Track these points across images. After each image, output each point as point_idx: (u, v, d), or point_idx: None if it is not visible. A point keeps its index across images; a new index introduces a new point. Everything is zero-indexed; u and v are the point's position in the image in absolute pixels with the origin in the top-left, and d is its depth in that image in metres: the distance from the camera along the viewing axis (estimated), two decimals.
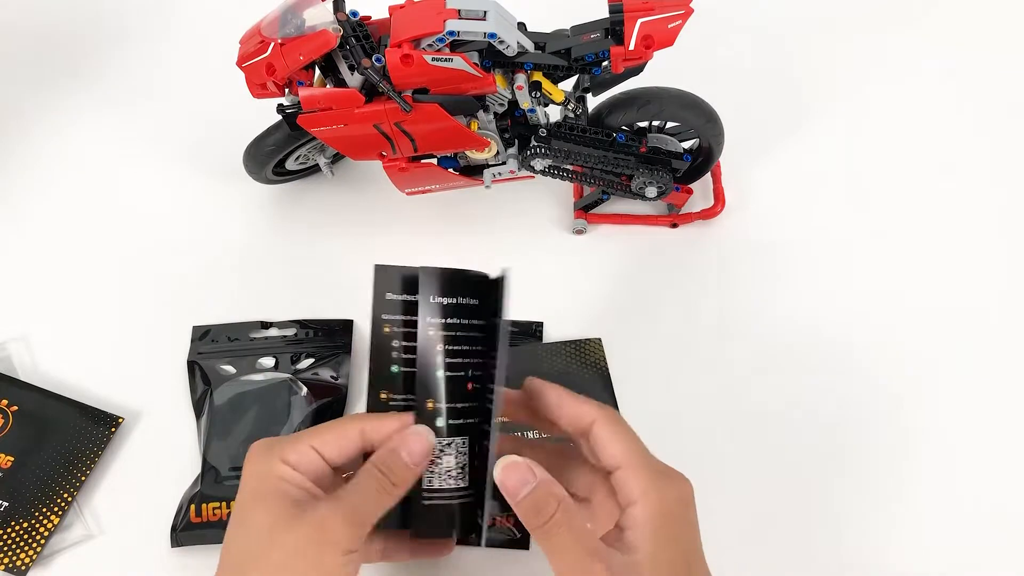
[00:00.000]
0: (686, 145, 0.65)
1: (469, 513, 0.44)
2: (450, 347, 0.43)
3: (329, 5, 0.56)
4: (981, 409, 0.58)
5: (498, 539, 0.54)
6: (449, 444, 0.44)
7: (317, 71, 0.58)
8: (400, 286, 0.44)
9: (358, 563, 0.41)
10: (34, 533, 0.55)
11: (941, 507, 0.55)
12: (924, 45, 0.78)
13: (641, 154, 0.63)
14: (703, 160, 0.66)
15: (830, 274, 0.65)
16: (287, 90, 0.58)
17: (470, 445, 0.44)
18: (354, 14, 0.56)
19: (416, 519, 0.44)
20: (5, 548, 0.54)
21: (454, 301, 0.43)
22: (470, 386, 0.44)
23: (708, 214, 0.67)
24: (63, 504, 0.56)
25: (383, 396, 0.44)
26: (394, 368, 0.44)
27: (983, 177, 0.69)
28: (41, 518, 0.55)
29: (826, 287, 0.64)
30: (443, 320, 0.43)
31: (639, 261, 0.67)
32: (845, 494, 0.56)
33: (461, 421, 0.44)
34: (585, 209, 0.68)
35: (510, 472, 0.41)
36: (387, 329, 0.43)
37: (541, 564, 0.53)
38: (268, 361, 0.62)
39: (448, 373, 0.43)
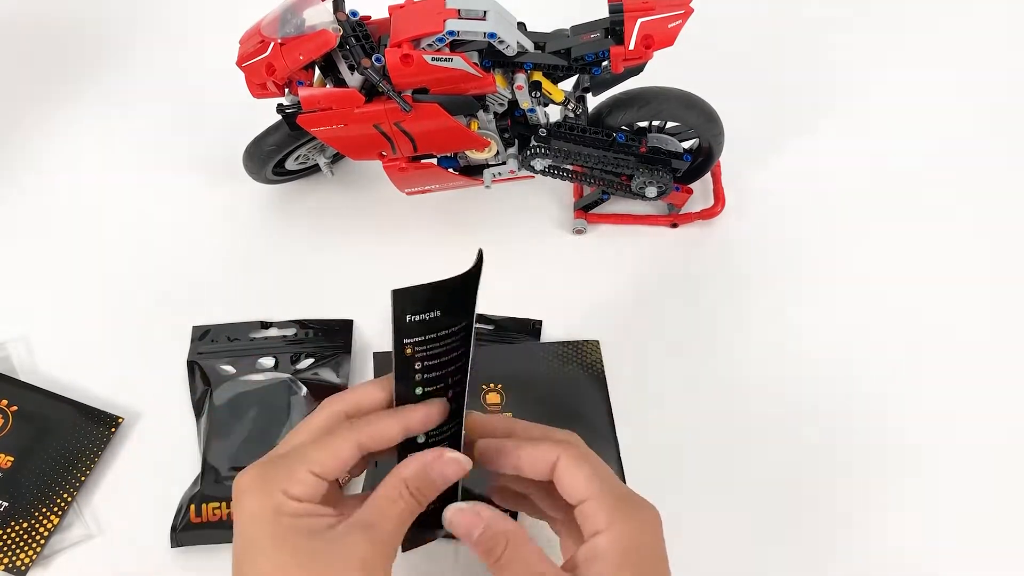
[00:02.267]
0: (686, 145, 0.65)
1: (435, 516, 0.44)
2: (428, 363, 0.42)
3: (329, 5, 0.56)
4: (985, 414, 0.58)
5: None
6: None
7: (317, 71, 0.58)
8: (421, 306, 0.42)
9: None
10: (34, 533, 0.55)
11: (945, 511, 0.55)
12: (925, 45, 0.78)
13: (641, 154, 0.63)
14: (703, 160, 0.65)
15: (830, 274, 0.65)
16: (287, 90, 0.58)
17: None
18: (354, 14, 0.56)
19: (409, 533, 0.43)
20: (5, 548, 0.54)
21: (426, 317, 0.41)
22: (450, 394, 0.44)
23: (708, 214, 0.67)
24: (63, 504, 0.56)
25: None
26: (418, 391, 0.43)
27: (986, 177, 0.69)
28: (41, 518, 0.55)
29: (826, 287, 0.64)
30: (418, 338, 0.42)
31: (639, 261, 0.67)
32: (846, 495, 0.56)
33: (438, 434, 0.44)
34: (585, 209, 0.68)
35: (459, 517, 0.42)
36: (408, 351, 0.42)
37: None
38: (268, 361, 0.62)
39: (427, 388, 0.43)
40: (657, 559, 0.40)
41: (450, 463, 0.41)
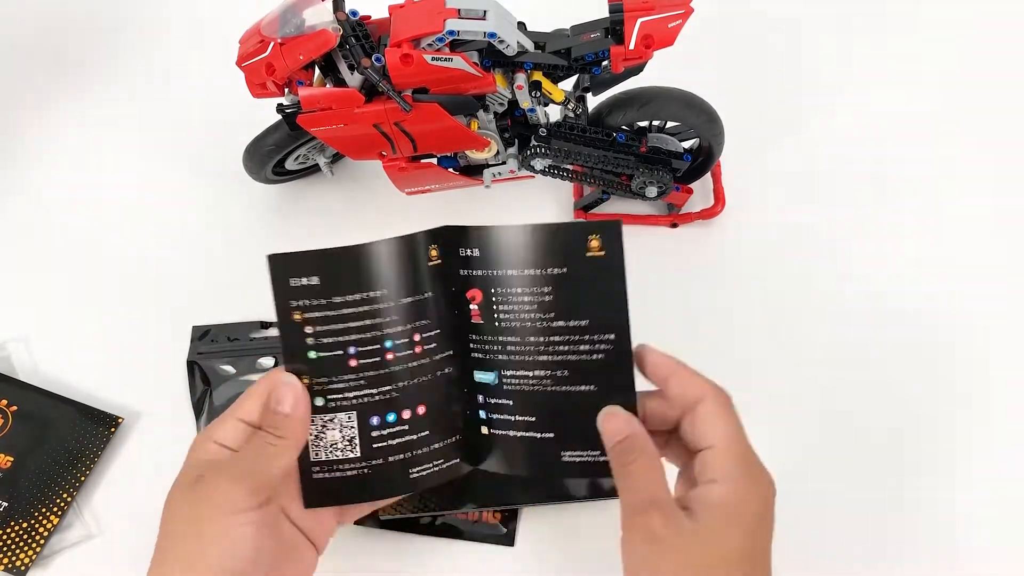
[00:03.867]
0: (686, 145, 0.65)
1: (361, 482, 0.46)
2: (318, 328, 0.45)
3: (329, 5, 0.55)
4: (987, 406, 0.58)
5: (483, 534, 0.55)
6: (331, 419, 0.45)
7: (317, 71, 0.58)
8: (303, 270, 0.44)
9: (271, 522, 0.42)
10: (34, 533, 0.55)
11: (949, 507, 0.55)
12: (925, 45, 0.77)
13: (641, 154, 0.63)
14: (703, 160, 0.65)
15: (830, 274, 0.65)
16: (287, 90, 0.58)
17: (360, 418, 0.46)
18: (354, 13, 0.56)
19: (306, 491, 0.45)
20: (5, 548, 0.54)
21: (312, 282, 0.44)
22: (353, 363, 0.45)
23: (708, 214, 0.67)
24: (63, 504, 0.56)
25: (305, 382, 0.45)
26: (311, 354, 0.45)
27: (984, 175, 0.69)
28: (41, 518, 0.55)
29: (826, 287, 0.64)
30: (306, 302, 0.44)
31: (639, 261, 0.66)
32: (847, 494, 0.56)
33: (342, 397, 0.45)
34: (585, 209, 0.68)
35: (609, 420, 0.43)
36: (296, 316, 0.44)
37: (525, 560, 0.54)
38: (268, 361, 0.62)
39: (320, 354, 0.45)
40: (764, 525, 0.41)
41: (282, 388, 0.44)
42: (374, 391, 0.46)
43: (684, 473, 0.44)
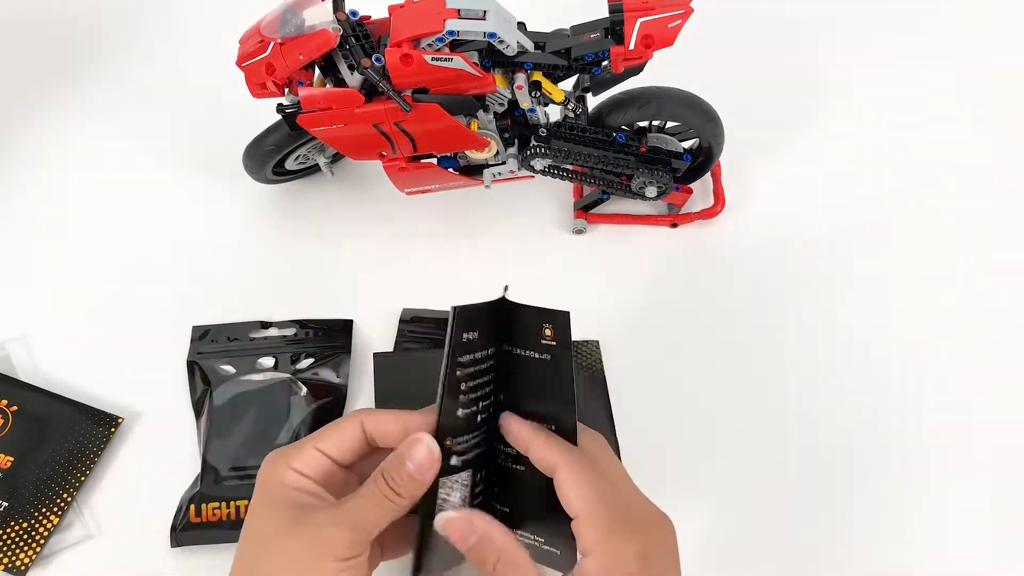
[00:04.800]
0: (686, 145, 0.65)
1: None
2: (469, 383, 0.42)
3: (329, 5, 0.55)
4: (982, 410, 0.58)
5: None
6: (457, 480, 0.43)
7: (317, 71, 0.58)
8: (475, 322, 0.42)
9: (361, 571, 0.40)
10: (34, 533, 0.55)
11: (950, 510, 0.55)
12: (926, 45, 0.78)
13: (641, 154, 0.63)
14: (703, 160, 0.65)
15: (831, 274, 0.65)
16: (287, 90, 0.58)
17: (473, 476, 0.44)
18: (354, 14, 0.56)
19: (427, 553, 0.43)
20: (5, 548, 0.54)
21: (473, 336, 0.42)
22: (479, 419, 0.44)
23: (708, 214, 0.67)
24: (63, 504, 0.56)
25: (447, 443, 0.42)
26: (460, 412, 0.43)
27: (986, 177, 0.69)
28: (41, 518, 0.55)
29: (827, 287, 0.64)
30: (467, 357, 0.42)
31: (639, 261, 0.67)
32: (847, 495, 0.56)
33: (470, 456, 0.44)
34: (585, 209, 0.68)
35: (452, 524, 0.42)
36: (458, 372, 0.42)
37: None
38: (268, 361, 0.62)
39: (465, 410, 0.43)
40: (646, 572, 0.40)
41: (416, 445, 0.41)
42: (482, 448, 0.44)
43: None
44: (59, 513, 0.56)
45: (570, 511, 0.41)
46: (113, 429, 0.59)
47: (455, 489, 0.43)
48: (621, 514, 0.40)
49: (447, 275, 0.66)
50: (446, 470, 0.43)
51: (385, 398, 0.59)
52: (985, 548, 0.54)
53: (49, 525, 0.55)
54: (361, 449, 0.44)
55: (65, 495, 0.56)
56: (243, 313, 0.64)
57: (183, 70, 0.80)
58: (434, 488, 0.42)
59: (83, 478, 0.57)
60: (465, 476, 0.44)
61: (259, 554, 0.40)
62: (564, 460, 0.41)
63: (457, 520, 0.42)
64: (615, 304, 0.64)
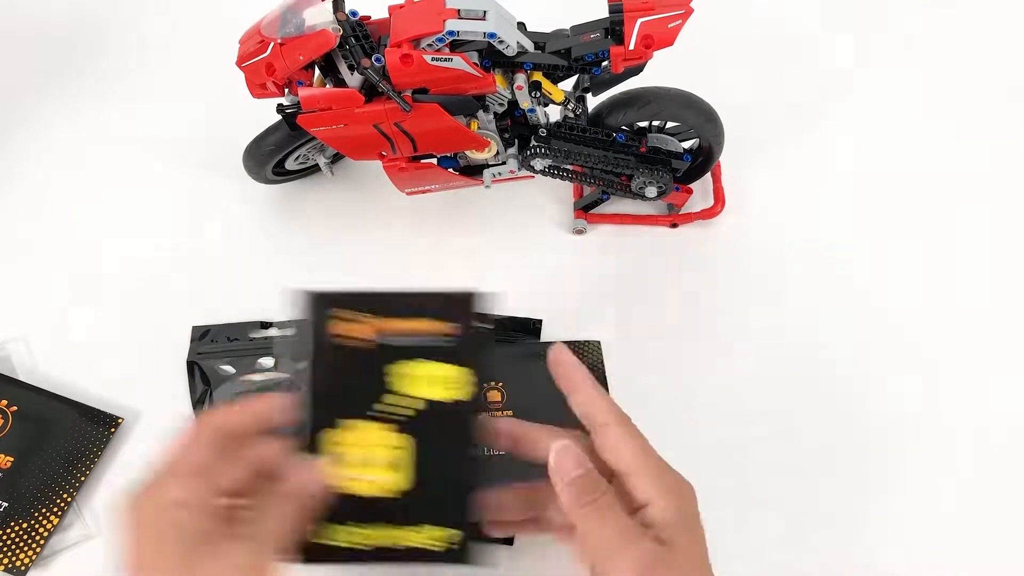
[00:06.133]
0: (686, 145, 0.65)
1: None
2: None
3: (329, 5, 0.55)
4: (985, 409, 0.58)
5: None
6: None
7: (317, 71, 0.58)
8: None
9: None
10: (33, 534, 0.55)
11: (947, 508, 0.55)
12: (927, 45, 0.78)
13: (641, 154, 0.63)
14: (703, 160, 0.65)
15: (830, 274, 0.65)
16: (287, 90, 0.58)
17: None
18: (354, 14, 0.56)
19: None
20: (5, 548, 0.54)
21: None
22: None
23: (708, 214, 0.67)
24: (63, 504, 0.56)
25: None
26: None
27: (985, 179, 0.69)
28: (41, 518, 0.55)
29: (826, 287, 0.64)
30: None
31: (639, 261, 0.67)
32: (846, 494, 0.56)
33: None
34: (585, 209, 0.68)
35: (565, 454, 0.42)
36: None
37: (524, 558, 0.54)
38: (268, 361, 0.62)
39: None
40: (702, 534, 0.42)
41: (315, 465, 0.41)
42: None
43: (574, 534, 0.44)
44: (59, 513, 0.56)
45: (620, 465, 0.42)
46: (113, 429, 0.59)
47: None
48: (670, 473, 0.43)
49: (447, 275, 0.66)
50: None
51: None
52: (985, 547, 0.54)
53: (49, 525, 0.55)
54: (213, 451, 0.41)
55: (65, 495, 0.56)
56: (243, 313, 0.64)
57: (183, 70, 0.80)
58: None
59: (83, 478, 0.57)
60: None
61: None
62: (615, 418, 0.43)
63: (571, 450, 0.42)
64: (615, 304, 0.64)
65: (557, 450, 0.42)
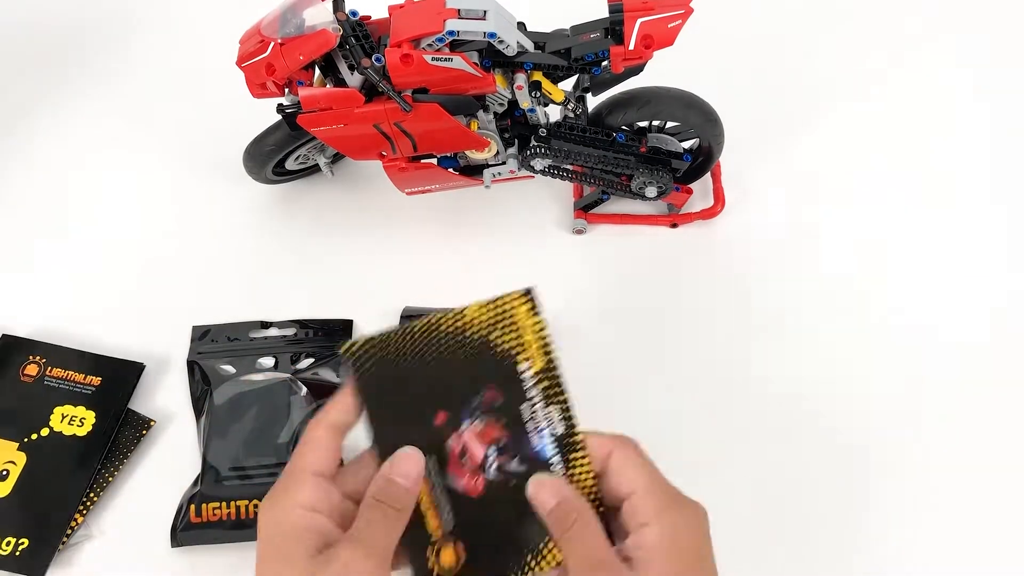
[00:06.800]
0: (686, 145, 0.65)
1: None
2: None
3: (329, 5, 0.56)
4: (981, 412, 0.58)
5: None
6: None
7: (317, 71, 0.58)
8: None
9: None
10: (58, 531, 0.55)
11: (947, 507, 0.55)
12: (926, 45, 0.78)
13: (641, 154, 0.63)
14: (703, 160, 0.65)
15: (830, 274, 0.65)
16: (287, 90, 0.58)
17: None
18: (354, 14, 0.56)
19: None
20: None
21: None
22: None
23: (708, 214, 0.67)
24: (88, 504, 0.56)
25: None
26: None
27: (984, 178, 0.69)
28: (68, 518, 0.55)
29: (826, 287, 0.64)
30: None
31: (639, 261, 0.67)
32: (848, 493, 0.56)
33: None
34: (585, 209, 0.68)
35: (540, 488, 0.42)
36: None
37: None
38: (268, 361, 0.62)
39: None
40: (703, 554, 0.41)
41: (402, 458, 0.42)
42: None
43: (613, 529, 0.44)
44: (84, 512, 0.56)
45: (626, 487, 0.42)
46: (145, 431, 0.59)
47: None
48: (672, 491, 0.42)
49: (447, 275, 0.66)
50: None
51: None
52: (985, 549, 0.54)
53: (72, 523, 0.55)
54: (338, 458, 0.42)
55: (92, 495, 0.57)
56: (243, 313, 0.64)
57: (183, 70, 0.80)
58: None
59: (111, 478, 0.57)
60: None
61: None
62: (617, 443, 0.43)
63: (546, 483, 0.42)
64: (615, 303, 0.64)
65: (534, 484, 0.42)
